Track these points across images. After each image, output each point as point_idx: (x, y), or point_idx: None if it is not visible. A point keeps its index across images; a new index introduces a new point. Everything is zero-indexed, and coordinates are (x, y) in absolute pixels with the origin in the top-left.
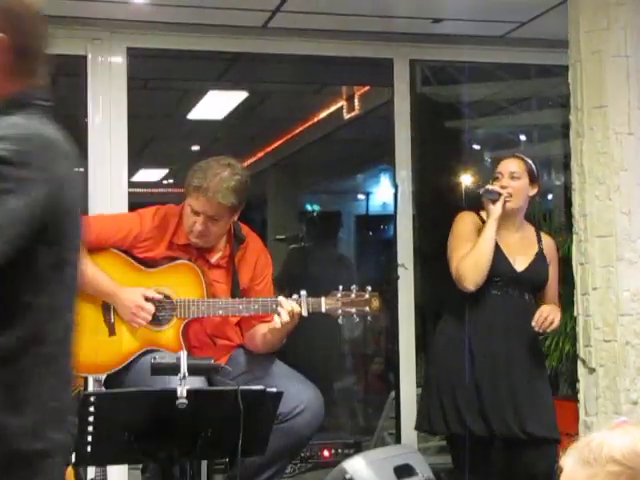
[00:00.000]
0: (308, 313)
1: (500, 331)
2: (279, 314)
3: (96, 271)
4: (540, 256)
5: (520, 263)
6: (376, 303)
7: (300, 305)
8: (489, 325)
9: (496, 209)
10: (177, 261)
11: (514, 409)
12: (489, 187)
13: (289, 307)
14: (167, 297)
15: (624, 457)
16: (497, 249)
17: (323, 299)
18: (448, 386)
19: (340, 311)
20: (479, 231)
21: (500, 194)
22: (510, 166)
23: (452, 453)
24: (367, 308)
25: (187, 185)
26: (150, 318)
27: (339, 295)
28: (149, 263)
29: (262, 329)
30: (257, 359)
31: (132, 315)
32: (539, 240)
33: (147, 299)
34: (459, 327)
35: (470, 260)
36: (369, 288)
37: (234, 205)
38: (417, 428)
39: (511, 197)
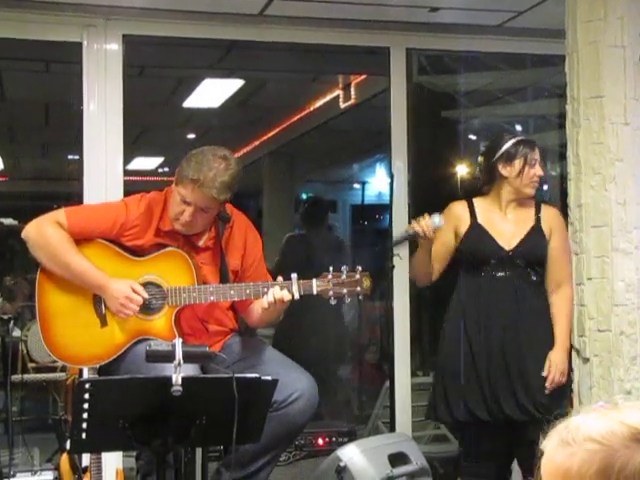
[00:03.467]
0: (300, 295)
1: (497, 312)
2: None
3: (84, 263)
4: (535, 231)
5: (511, 242)
6: (367, 282)
7: (291, 288)
8: (485, 308)
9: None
10: (166, 249)
11: (523, 388)
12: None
13: (279, 295)
14: (157, 285)
15: (602, 437)
16: (483, 232)
17: (314, 281)
18: (451, 374)
19: (331, 292)
20: (459, 220)
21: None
22: (539, 153)
23: (459, 441)
24: (358, 288)
25: (181, 175)
26: (138, 309)
27: (330, 276)
28: (138, 252)
29: (257, 306)
30: (252, 347)
31: (120, 306)
32: (537, 214)
33: (135, 292)
34: (458, 314)
35: (410, 266)
36: (359, 268)
37: (225, 199)
38: (426, 417)
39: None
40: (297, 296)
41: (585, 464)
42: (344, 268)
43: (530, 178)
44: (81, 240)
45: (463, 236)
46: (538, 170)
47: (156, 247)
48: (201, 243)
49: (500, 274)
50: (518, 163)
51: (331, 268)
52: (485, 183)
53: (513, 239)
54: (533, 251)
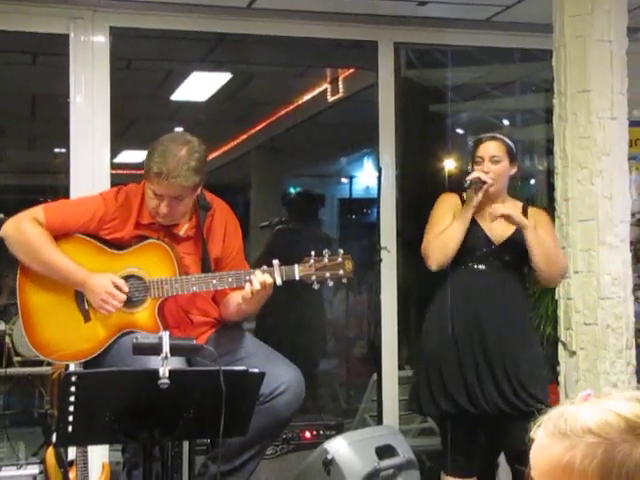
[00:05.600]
0: (282, 281)
1: (480, 303)
2: (251, 283)
3: (64, 259)
4: (520, 232)
5: (500, 237)
6: (349, 265)
7: (273, 274)
8: (468, 298)
9: (476, 197)
10: (147, 241)
11: (506, 379)
12: (472, 177)
13: (261, 279)
14: (139, 278)
15: (600, 429)
16: (475, 225)
17: (296, 266)
18: (435, 366)
19: (314, 277)
20: (457, 210)
21: (484, 182)
22: (490, 149)
23: (441, 433)
24: (341, 271)
25: (147, 170)
26: (120, 305)
27: (312, 261)
28: (118, 245)
29: (236, 297)
30: (239, 339)
31: (102, 302)
32: (525, 214)
33: (116, 287)
34: (443, 306)
35: (439, 242)
36: (341, 251)
37: (196, 184)
38: (408, 408)
39: (494, 181)
40: (279, 282)
41: (587, 457)
42: (326, 252)
43: (470, 183)
44: (60, 236)
45: None
46: (484, 167)
47: (136, 239)
48: (182, 233)
49: (482, 267)
50: (470, 162)
51: (313, 252)
52: None
53: (502, 235)
54: (519, 247)
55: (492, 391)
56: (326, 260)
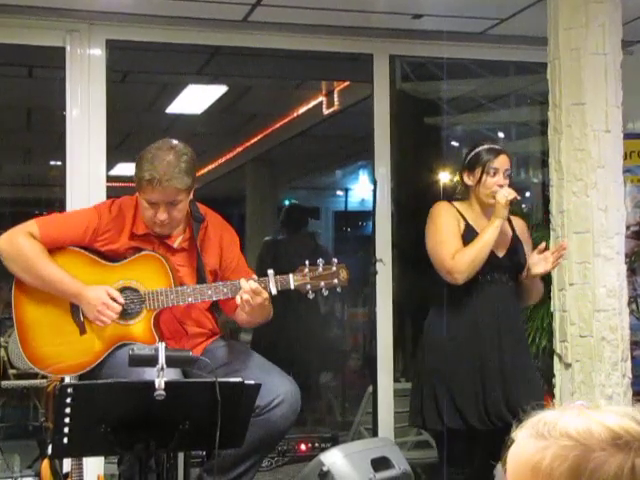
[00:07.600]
0: (277, 291)
1: (489, 316)
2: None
3: (59, 272)
4: (515, 240)
5: (500, 249)
6: (344, 274)
7: (268, 284)
8: (478, 312)
9: (506, 212)
10: (141, 253)
11: (509, 394)
12: (512, 197)
13: (246, 287)
14: (135, 290)
15: (579, 434)
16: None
17: (291, 276)
18: (442, 380)
19: (309, 286)
20: (458, 222)
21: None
22: (506, 163)
23: (438, 447)
24: (335, 280)
25: (138, 180)
26: (115, 316)
27: (306, 270)
28: (113, 256)
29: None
30: (235, 351)
31: (97, 313)
32: (511, 224)
33: (112, 298)
34: (448, 319)
35: (467, 257)
36: (335, 260)
37: (189, 186)
38: (411, 423)
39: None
40: (274, 292)
41: (557, 459)
42: (320, 261)
43: (489, 187)
44: (54, 249)
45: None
46: (500, 180)
47: (131, 251)
48: (176, 245)
49: (488, 278)
50: (478, 172)
51: (307, 262)
52: (461, 191)
53: (501, 247)
54: (519, 259)
55: (501, 407)
56: (320, 269)
